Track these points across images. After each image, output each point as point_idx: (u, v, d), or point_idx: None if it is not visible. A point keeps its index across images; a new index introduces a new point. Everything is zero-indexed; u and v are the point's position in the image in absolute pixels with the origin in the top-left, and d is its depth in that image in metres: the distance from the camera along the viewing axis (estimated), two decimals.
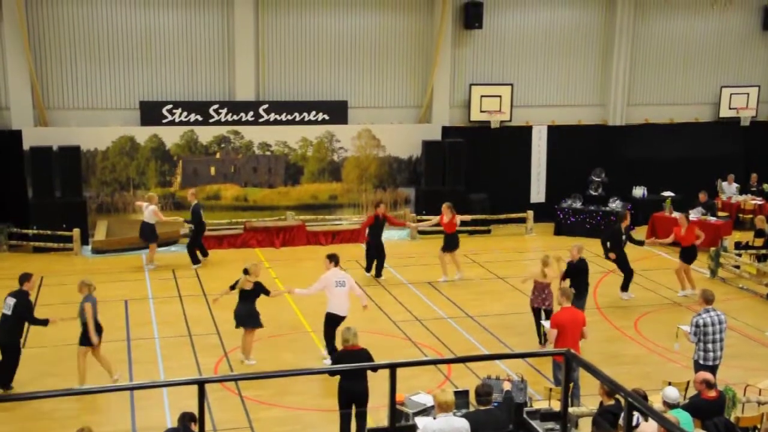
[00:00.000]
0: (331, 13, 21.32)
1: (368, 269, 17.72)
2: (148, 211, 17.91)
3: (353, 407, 10.06)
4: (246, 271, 12.73)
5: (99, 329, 11.83)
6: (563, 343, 10.55)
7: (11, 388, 11.90)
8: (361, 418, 10.12)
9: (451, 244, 17.40)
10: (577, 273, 13.85)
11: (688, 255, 16.67)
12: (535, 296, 13.67)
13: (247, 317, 12.68)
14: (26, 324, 12.08)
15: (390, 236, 17.13)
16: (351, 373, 9.80)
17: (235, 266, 18.33)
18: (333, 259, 12.79)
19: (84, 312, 11.64)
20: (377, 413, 10.49)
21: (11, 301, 11.73)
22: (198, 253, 18.32)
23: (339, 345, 10.96)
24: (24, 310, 11.78)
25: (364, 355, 10.04)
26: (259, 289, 12.72)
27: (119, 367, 12.57)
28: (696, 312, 11.45)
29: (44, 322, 11.98)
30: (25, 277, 11.95)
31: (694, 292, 15.89)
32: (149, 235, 18.06)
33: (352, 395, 10.02)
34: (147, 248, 18.43)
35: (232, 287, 12.82)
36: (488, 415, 8.23)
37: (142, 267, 18.07)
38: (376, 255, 17.54)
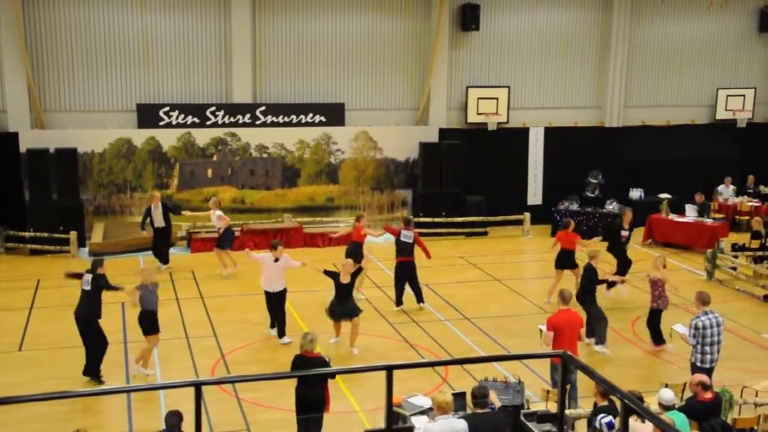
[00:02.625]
0: (327, 15, 21.33)
1: (399, 301, 15.51)
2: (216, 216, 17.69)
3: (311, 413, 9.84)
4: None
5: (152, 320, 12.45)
6: (560, 345, 10.57)
7: (102, 381, 12.10)
8: (316, 423, 9.87)
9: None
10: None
11: (568, 261, 16.10)
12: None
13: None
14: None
15: (388, 237, 17.07)
16: (308, 378, 9.72)
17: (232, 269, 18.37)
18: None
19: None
20: (374, 415, 10.49)
21: (88, 276, 12.19)
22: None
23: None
24: (102, 283, 12.22)
25: (317, 362, 9.80)
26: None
27: (117, 371, 12.59)
28: (694, 314, 11.46)
29: (120, 288, 12.57)
30: (98, 263, 12.39)
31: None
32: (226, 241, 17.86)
33: (309, 401, 9.81)
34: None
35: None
36: (486, 417, 8.23)
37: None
38: (408, 277, 15.54)
